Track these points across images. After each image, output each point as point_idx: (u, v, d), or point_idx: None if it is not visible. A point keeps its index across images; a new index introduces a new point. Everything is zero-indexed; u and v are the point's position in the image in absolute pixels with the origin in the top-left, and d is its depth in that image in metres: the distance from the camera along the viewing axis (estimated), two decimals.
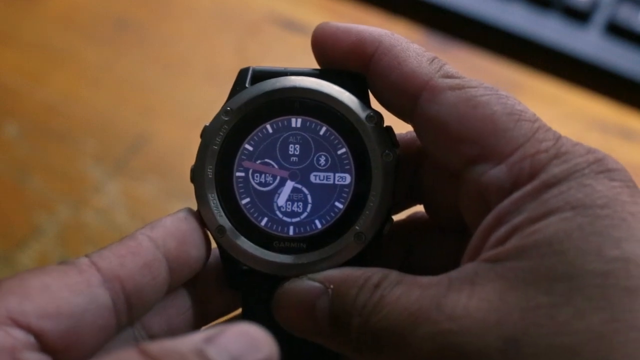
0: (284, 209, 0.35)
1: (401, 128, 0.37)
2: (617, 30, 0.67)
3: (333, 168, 0.35)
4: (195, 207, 0.35)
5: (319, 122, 0.35)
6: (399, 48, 0.34)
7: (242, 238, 0.35)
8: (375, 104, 0.35)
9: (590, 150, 0.31)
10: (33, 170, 0.60)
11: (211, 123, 0.35)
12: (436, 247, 0.37)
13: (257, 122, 0.35)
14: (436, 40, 0.69)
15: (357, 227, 0.35)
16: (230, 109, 0.35)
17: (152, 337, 0.34)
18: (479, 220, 0.32)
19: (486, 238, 0.31)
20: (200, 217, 0.35)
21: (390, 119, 0.35)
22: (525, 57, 0.68)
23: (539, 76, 0.68)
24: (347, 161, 0.35)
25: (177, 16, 0.70)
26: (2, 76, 0.66)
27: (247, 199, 0.35)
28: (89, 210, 0.59)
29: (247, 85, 0.35)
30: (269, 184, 0.35)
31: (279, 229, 0.35)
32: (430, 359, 0.29)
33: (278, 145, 0.35)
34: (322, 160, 0.35)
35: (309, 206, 0.35)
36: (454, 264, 0.32)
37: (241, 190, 0.35)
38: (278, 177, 0.35)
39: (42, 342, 0.30)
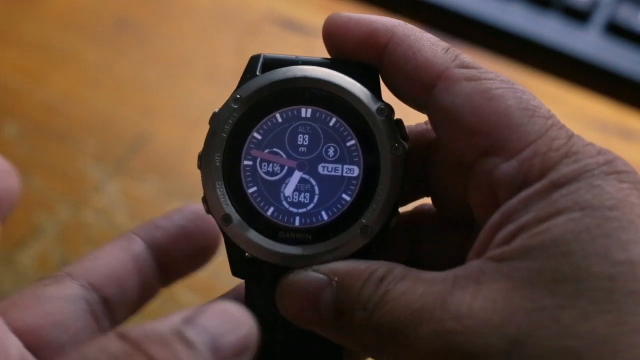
0: (290, 200, 0.35)
1: (412, 120, 0.36)
2: (617, 30, 0.67)
3: (342, 160, 0.35)
4: (195, 203, 0.35)
5: (329, 113, 0.35)
6: (413, 38, 0.33)
7: (248, 228, 0.35)
8: (386, 95, 0.35)
9: (601, 152, 0.31)
10: (33, 170, 0.60)
11: (220, 110, 0.35)
12: (443, 240, 0.37)
13: (267, 111, 0.35)
14: None
15: (364, 221, 0.34)
16: (240, 97, 0.35)
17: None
18: (488, 214, 0.31)
19: (493, 235, 0.31)
20: (207, 204, 0.35)
21: (400, 112, 0.35)
22: (525, 57, 0.68)
23: (539, 76, 0.68)
24: (356, 153, 0.35)
25: (177, 16, 0.70)
26: (2, 76, 0.66)
27: (254, 188, 0.35)
28: (89, 210, 0.59)
29: (258, 73, 0.35)
30: (277, 174, 0.35)
31: (285, 220, 0.35)
32: (432, 358, 0.29)
33: (287, 135, 0.35)
34: (331, 152, 0.35)
35: (316, 197, 0.35)
36: (461, 257, 0.32)
37: (249, 179, 0.35)
38: (286, 167, 0.35)
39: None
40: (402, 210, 0.36)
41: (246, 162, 0.35)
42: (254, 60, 0.35)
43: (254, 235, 0.35)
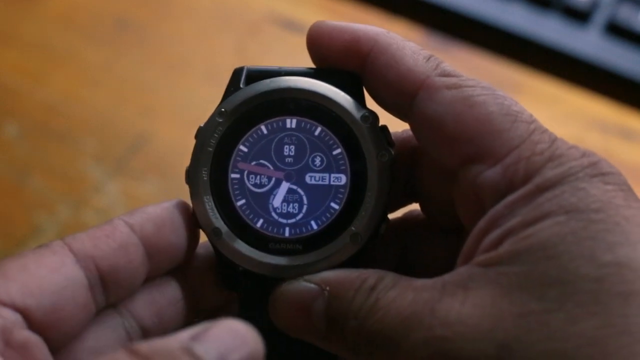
0: (279, 210, 0.35)
1: (397, 127, 0.37)
2: (617, 30, 0.67)
3: (328, 169, 0.35)
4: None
5: (313, 122, 0.35)
6: (395, 46, 0.34)
7: (238, 240, 0.35)
8: (370, 102, 0.35)
9: (585, 154, 0.31)
10: (33, 170, 0.60)
11: (205, 124, 0.35)
12: (432, 246, 0.37)
13: (252, 123, 0.35)
14: (436, 40, 0.69)
15: (353, 228, 0.34)
16: (225, 110, 0.35)
17: (143, 328, 0.35)
18: (474, 220, 0.31)
19: (480, 241, 0.31)
20: (196, 219, 0.35)
21: (385, 118, 0.35)
22: (525, 57, 0.68)
23: (539, 76, 0.68)
24: (342, 162, 0.35)
25: (177, 16, 0.70)
26: (2, 76, 0.66)
27: (243, 201, 0.35)
28: (89, 210, 0.59)
29: (241, 85, 0.35)
30: (264, 186, 0.35)
31: (275, 231, 0.35)
32: None
33: (273, 146, 0.35)
34: (318, 161, 0.35)
35: (305, 207, 0.35)
36: (450, 263, 0.32)
37: (236, 192, 0.35)
38: (273, 179, 0.35)
39: (29, 321, 0.31)
40: (391, 216, 0.36)
41: (233, 175, 0.35)
42: (237, 72, 0.36)
43: (244, 248, 0.35)
